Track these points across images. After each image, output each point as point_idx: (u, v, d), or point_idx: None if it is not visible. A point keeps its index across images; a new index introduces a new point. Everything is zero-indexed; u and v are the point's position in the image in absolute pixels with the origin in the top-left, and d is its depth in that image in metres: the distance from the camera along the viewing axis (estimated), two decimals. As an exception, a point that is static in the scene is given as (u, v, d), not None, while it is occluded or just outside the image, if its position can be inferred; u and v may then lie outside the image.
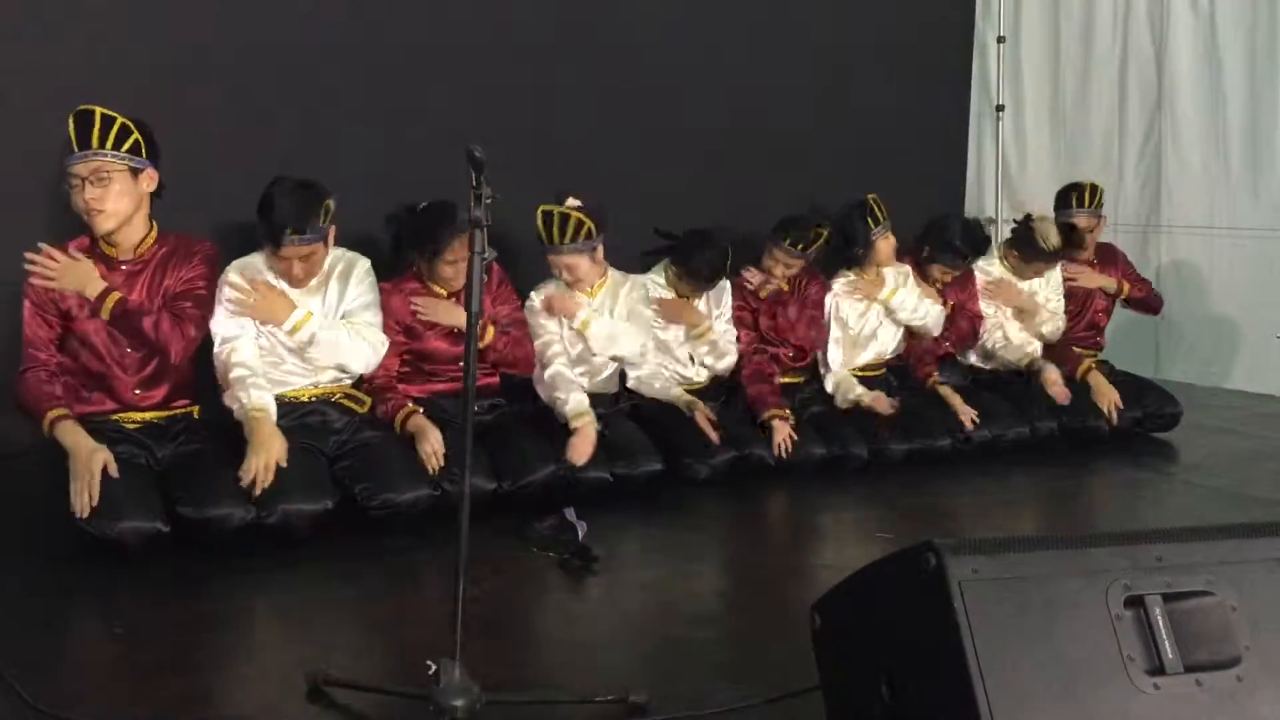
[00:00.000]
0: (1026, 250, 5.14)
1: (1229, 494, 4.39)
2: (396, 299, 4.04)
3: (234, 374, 3.68)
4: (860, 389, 4.79)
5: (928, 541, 1.89)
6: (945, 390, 4.93)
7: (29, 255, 3.44)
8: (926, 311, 4.98)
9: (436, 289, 4.11)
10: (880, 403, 4.70)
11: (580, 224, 4.22)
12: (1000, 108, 7.05)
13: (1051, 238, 5.05)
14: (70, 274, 3.46)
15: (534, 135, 5.08)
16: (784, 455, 4.42)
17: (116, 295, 3.47)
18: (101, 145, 3.38)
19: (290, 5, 4.80)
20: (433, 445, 3.74)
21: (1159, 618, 1.89)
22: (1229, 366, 6.31)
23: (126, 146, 3.42)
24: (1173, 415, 5.26)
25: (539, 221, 4.23)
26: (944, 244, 5.03)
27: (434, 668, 2.28)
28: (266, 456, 3.45)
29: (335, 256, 3.89)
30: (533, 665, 2.77)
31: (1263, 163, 6.13)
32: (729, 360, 4.70)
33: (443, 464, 3.73)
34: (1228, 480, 4.58)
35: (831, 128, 5.98)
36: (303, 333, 3.76)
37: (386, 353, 3.93)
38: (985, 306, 5.25)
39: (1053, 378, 5.04)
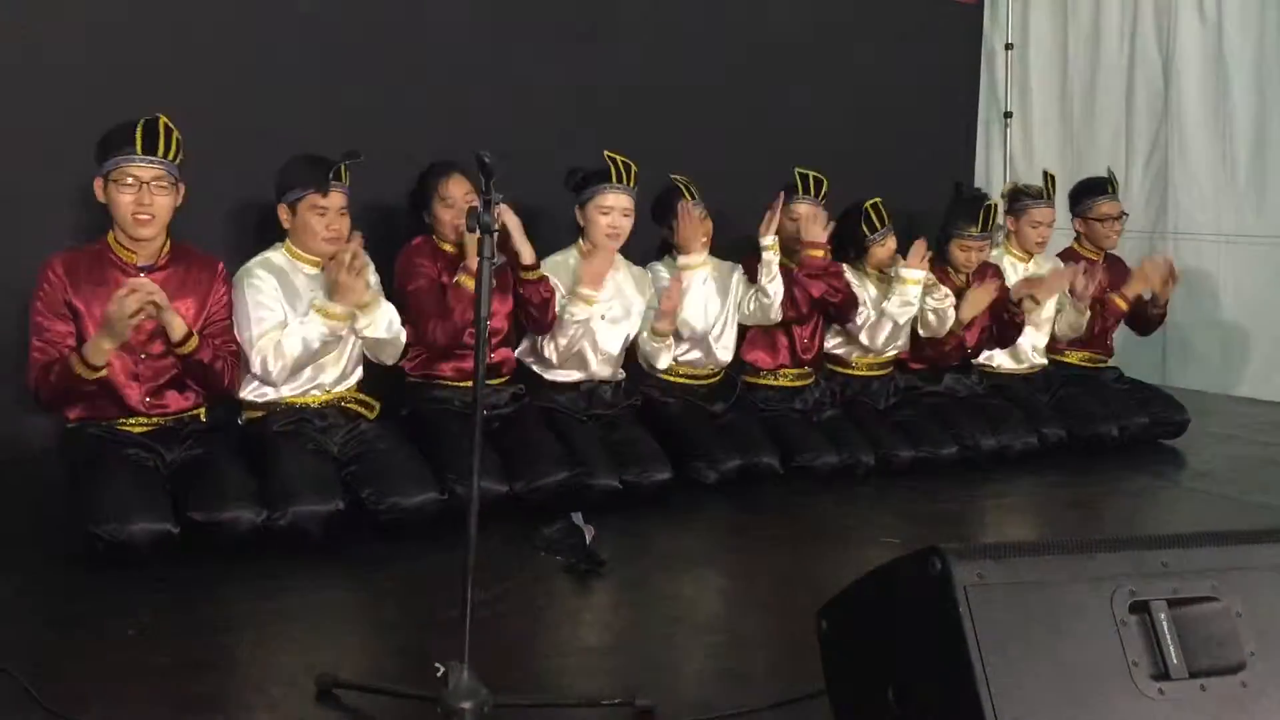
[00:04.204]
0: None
1: (1236, 501, 4.39)
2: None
3: (286, 344, 3.66)
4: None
5: (933, 546, 1.89)
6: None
7: (133, 283, 3.26)
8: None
9: (446, 247, 4.13)
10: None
11: (637, 174, 4.29)
12: (1008, 114, 7.06)
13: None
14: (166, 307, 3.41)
15: (534, 135, 5.08)
16: None
17: (197, 341, 3.47)
18: (166, 154, 3.43)
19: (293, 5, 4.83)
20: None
21: (1164, 623, 1.90)
22: (1236, 374, 6.31)
23: (180, 160, 3.48)
24: (1180, 422, 5.26)
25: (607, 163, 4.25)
26: (955, 212, 5.01)
27: (442, 670, 2.29)
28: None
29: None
30: (540, 669, 2.77)
31: (1270, 170, 6.14)
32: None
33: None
34: (1234, 487, 4.58)
35: (839, 134, 5.97)
36: (375, 310, 3.77)
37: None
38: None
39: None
